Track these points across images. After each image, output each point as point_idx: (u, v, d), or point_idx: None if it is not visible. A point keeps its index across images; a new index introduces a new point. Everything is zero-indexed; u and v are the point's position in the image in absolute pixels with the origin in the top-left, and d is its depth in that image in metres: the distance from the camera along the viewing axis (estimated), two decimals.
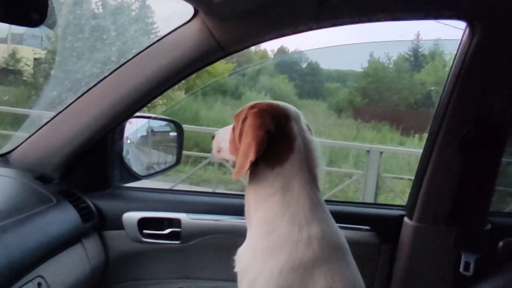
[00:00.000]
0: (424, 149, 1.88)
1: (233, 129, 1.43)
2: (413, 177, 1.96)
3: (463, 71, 1.67)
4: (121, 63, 1.73)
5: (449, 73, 1.75)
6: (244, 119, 1.33)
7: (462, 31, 1.67)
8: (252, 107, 1.36)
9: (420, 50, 13.46)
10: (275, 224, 1.25)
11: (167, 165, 2.16)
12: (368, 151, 6.14)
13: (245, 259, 1.30)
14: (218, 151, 1.54)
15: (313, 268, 1.21)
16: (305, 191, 1.29)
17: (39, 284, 1.41)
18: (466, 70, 1.66)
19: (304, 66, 14.42)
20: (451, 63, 1.78)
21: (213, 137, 1.57)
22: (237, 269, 1.33)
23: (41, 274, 1.42)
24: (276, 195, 1.27)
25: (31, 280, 1.37)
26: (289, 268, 1.19)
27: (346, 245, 1.32)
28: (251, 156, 1.25)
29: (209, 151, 6.68)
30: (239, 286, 1.31)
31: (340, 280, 1.23)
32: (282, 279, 1.19)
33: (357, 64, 13.12)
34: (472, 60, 1.64)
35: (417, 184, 1.87)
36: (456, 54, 1.73)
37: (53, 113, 1.82)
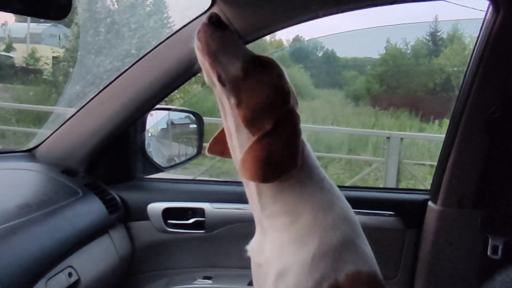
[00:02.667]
0: (447, 132, 1.85)
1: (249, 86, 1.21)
2: (434, 163, 1.94)
3: (487, 51, 1.63)
4: (141, 55, 1.74)
5: (472, 54, 1.71)
6: (282, 120, 1.19)
7: (484, 11, 1.64)
8: (289, 110, 1.23)
9: (438, 34, 13.19)
10: (298, 213, 1.23)
11: (188, 156, 2.18)
12: (388, 138, 6.07)
13: (268, 250, 1.26)
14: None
15: (341, 250, 1.20)
16: (318, 175, 1.27)
17: (70, 274, 1.44)
18: (490, 50, 1.63)
19: (320, 55, 14.29)
20: (471, 46, 1.75)
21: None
22: (258, 260, 1.30)
23: (71, 265, 1.46)
24: (295, 186, 1.23)
25: (62, 270, 1.41)
26: (320, 255, 1.18)
27: (356, 219, 1.31)
28: (294, 165, 1.17)
29: None
30: (262, 278, 1.29)
31: (364, 258, 1.24)
32: (314, 267, 1.17)
33: (374, 51, 12.93)
34: (496, 39, 1.60)
35: (441, 168, 1.85)
36: (478, 35, 1.69)
37: (75, 109, 1.86)
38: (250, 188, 1.29)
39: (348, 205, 1.30)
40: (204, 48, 1.23)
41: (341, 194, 1.30)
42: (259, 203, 1.28)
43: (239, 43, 1.27)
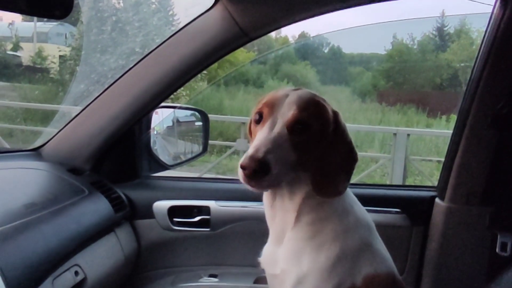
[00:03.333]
0: (454, 128, 1.83)
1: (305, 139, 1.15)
2: (442, 159, 1.92)
3: (494, 46, 1.61)
4: (145, 54, 1.74)
5: (480, 49, 1.69)
6: (336, 128, 1.21)
7: (491, 6, 1.61)
8: (331, 110, 1.23)
9: (445, 28, 13.08)
10: (324, 223, 1.22)
11: (194, 154, 2.18)
12: (395, 134, 6.04)
13: (284, 261, 1.24)
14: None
15: (359, 254, 1.20)
16: None
17: (76, 272, 1.45)
18: (498, 45, 1.61)
19: (326, 51, 14.23)
20: (478, 41, 1.73)
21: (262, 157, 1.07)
22: (272, 272, 1.29)
23: (78, 263, 1.47)
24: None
25: (68, 269, 1.41)
26: (338, 260, 1.18)
27: (372, 221, 1.31)
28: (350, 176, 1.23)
29: (233, 140, 6.70)
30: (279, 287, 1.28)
31: (381, 259, 1.24)
32: (332, 273, 1.18)
33: (380, 46, 12.85)
34: (504, 34, 1.58)
35: (448, 164, 1.83)
36: (486, 30, 1.67)
37: (81, 108, 1.86)
38: (285, 203, 1.25)
39: (361, 206, 1.30)
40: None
41: (352, 194, 1.31)
42: (296, 217, 1.23)
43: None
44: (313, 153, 1.17)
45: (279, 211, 1.27)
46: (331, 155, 1.19)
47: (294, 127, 1.13)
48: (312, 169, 1.18)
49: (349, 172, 1.22)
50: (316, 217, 1.23)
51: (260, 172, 1.05)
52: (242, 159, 1.07)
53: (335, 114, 1.23)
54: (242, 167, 1.06)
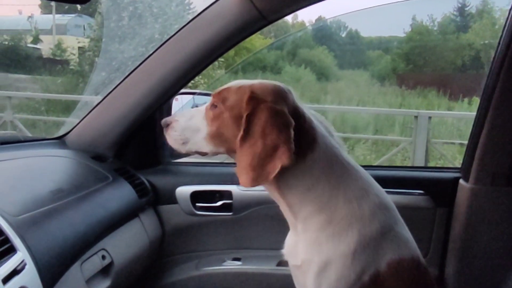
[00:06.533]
0: (479, 108, 1.79)
1: (217, 116, 1.25)
2: (464, 142, 1.89)
3: None
4: (164, 40, 1.74)
5: (504, 28, 1.65)
6: (252, 113, 1.16)
7: None
8: (255, 97, 1.18)
9: (466, 8, 12.74)
10: (332, 209, 1.20)
11: None
12: (416, 117, 5.94)
13: (304, 252, 1.24)
14: (184, 143, 1.31)
15: (381, 240, 1.19)
16: (344, 164, 1.23)
17: (103, 256, 1.48)
18: None
19: (343, 35, 14.03)
20: (501, 20, 1.67)
21: (167, 125, 1.34)
22: (295, 262, 1.29)
23: (104, 247, 1.50)
24: (320, 183, 1.20)
25: (95, 253, 1.45)
26: (361, 247, 1.17)
27: (393, 204, 1.29)
28: (285, 161, 1.11)
29: None
30: (301, 279, 1.28)
31: (404, 244, 1.23)
32: (355, 260, 1.17)
33: (399, 29, 12.62)
34: None
35: (472, 145, 1.80)
36: (511, 7, 1.62)
37: (102, 97, 1.88)
38: (275, 196, 1.28)
39: (381, 190, 1.27)
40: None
41: (371, 178, 1.28)
42: (290, 208, 1.25)
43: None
44: (225, 132, 1.24)
45: (280, 207, 1.31)
46: (245, 143, 1.16)
47: (211, 107, 1.28)
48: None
49: (252, 165, 1.14)
50: (315, 207, 1.21)
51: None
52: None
53: (258, 102, 1.18)
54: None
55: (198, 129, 1.29)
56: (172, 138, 1.32)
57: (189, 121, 1.31)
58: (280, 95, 1.21)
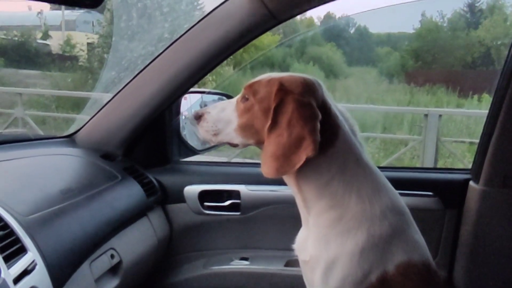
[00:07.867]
0: (490, 108, 1.77)
1: (247, 109, 1.27)
2: (474, 140, 1.87)
3: None
4: (174, 39, 1.74)
5: None
6: (279, 105, 1.18)
7: None
8: (283, 89, 1.20)
9: (477, 5, 12.60)
10: (344, 207, 1.20)
11: None
12: (426, 115, 5.87)
13: (313, 247, 1.25)
14: (215, 134, 1.33)
15: (391, 241, 1.18)
16: (362, 164, 1.23)
17: (112, 255, 1.49)
18: None
19: (352, 32, 13.96)
20: None
21: (199, 117, 1.35)
22: (303, 258, 1.30)
23: (113, 247, 1.51)
24: (336, 178, 1.20)
25: (104, 252, 1.46)
26: (370, 246, 1.16)
27: (407, 208, 1.28)
28: (310, 152, 1.12)
29: None
30: (309, 275, 1.28)
31: (415, 247, 1.22)
32: (363, 259, 1.16)
33: (409, 25, 12.50)
34: None
35: (483, 146, 1.78)
36: None
37: (112, 95, 1.89)
38: (293, 189, 1.29)
39: (395, 193, 1.27)
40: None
41: (386, 181, 1.27)
42: (304, 202, 1.27)
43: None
44: (255, 124, 1.26)
45: (296, 199, 1.31)
46: (272, 134, 1.18)
47: (242, 99, 1.30)
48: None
49: (277, 155, 1.16)
50: (329, 202, 1.21)
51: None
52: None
53: (286, 93, 1.19)
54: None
55: (230, 120, 1.31)
56: (204, 129, 1.34)
57: (221, 113, 1.33)
58: (308, 88, 1.22)
